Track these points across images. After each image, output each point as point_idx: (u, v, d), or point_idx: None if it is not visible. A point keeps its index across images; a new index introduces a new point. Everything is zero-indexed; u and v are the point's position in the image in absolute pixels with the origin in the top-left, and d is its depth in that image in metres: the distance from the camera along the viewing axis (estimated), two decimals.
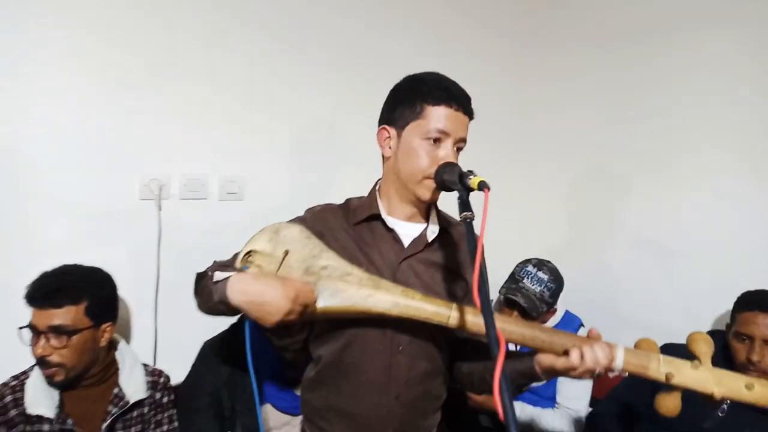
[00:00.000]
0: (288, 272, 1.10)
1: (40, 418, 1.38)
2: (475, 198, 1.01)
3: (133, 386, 1.53)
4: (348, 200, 1.27)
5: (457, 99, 1.12)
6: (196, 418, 1.61)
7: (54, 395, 1.42)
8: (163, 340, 1.83)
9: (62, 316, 1.38)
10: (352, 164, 2.06)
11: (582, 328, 1.96)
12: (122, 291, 1.59)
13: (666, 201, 2.14)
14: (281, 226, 1.15)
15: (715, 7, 2.01)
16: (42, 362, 1.38)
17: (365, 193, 1.26)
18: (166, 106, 1.79)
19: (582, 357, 0.99)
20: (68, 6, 1.62)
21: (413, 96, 1.13)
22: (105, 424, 1.45)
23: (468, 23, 2.47)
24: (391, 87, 1.21)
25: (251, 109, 1.95)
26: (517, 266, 1.95)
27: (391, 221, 1.19)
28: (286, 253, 1.11)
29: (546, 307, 1.85)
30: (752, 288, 1.60)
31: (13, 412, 1.39)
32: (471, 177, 1.02)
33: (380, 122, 1.20)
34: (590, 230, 2.42)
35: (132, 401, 1.50)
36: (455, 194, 1.05)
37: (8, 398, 1.40)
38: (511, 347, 1.86)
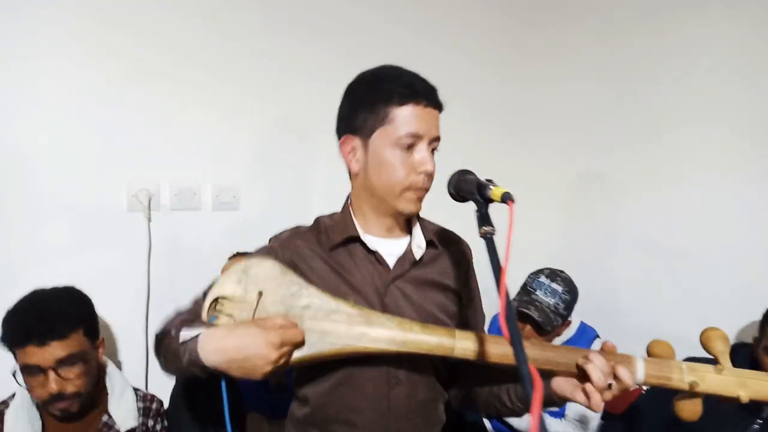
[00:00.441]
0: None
1: None
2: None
3: (123, 413, 1.44)
4: (317, 220, 1.14)
5: (424, 93, 0.99)
6: None
7: (36, 426, 1.34)
8: (155, 362, 1.69)
9: (69, 345, 1.30)
10: None
11: (597, 339, 1.88)
12: (110, 310, 1.50)
13: (675, 201, 2.03)
14: (250, 263, 1.01)
15: None
16: (57, 398, 1.29)
17: None
18: (155, 110, 1.70)
19: (601, 381, 0.90)
20: (57, 10, 1.53)
21: (374, 98, 1.00)
22: None
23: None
24: None
25: (247, 112, 1.85)
26: (528, 277, 1.87)
27: (371, 241, 1.07)
28: (260, 294, 0.98)
29: (560, 320, 1.78)
30: None
31: None
32: (491, 187, 0.91)
33: (339, 131, 1.07)
34: (591, 235, 2.32)
35: (123, 430, 1.41)
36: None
37: None
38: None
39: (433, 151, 1.03)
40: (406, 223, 1.12)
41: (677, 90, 2.01)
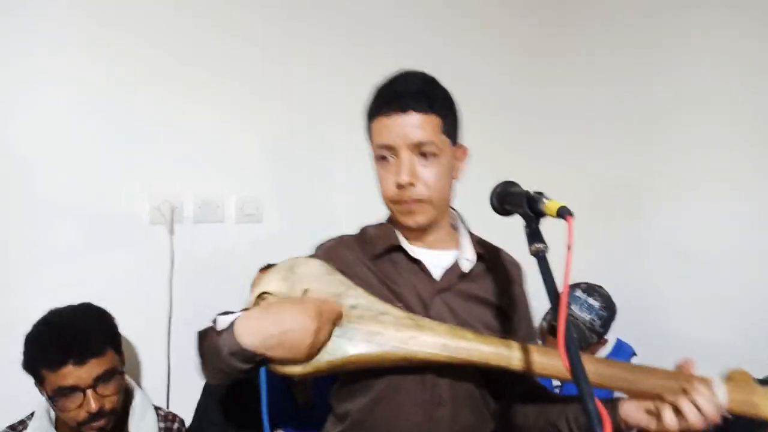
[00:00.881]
0: None
1: None
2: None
3: None
4: (364, 229, 1.10)
5: (398, 100, 0.95)
6: None
7: None
8: (177, 379, 1.67)
9: (105, 362, 1.27)
10: None
11: (634, 357, 1.79)
12: (131, 325, 1.46)
13: (703, 206, 1.94)
14: (296, 261, 0.98)
15: None
16: (94, 416, 1.24)
17: None
18: (177, 120, 1.66)
19: (681, 414, 0.83)
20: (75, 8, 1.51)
21: (366, 116, 1.03)
22: None
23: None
24: None
25: (272, 122, 1.81)
26: None
27: (414, 251, 1.02)
28: (306, 292, 0.95)
29: (596, 337, 1.71)
30: None
31: None
32: (545, 200, 0.84)
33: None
34: (618, 242, 2.22)
35: None
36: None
37: None
38: (555, 382, 1.70)
39: (425, 155, 0.96)
40: (452, 236, 1.07)
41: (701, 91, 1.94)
